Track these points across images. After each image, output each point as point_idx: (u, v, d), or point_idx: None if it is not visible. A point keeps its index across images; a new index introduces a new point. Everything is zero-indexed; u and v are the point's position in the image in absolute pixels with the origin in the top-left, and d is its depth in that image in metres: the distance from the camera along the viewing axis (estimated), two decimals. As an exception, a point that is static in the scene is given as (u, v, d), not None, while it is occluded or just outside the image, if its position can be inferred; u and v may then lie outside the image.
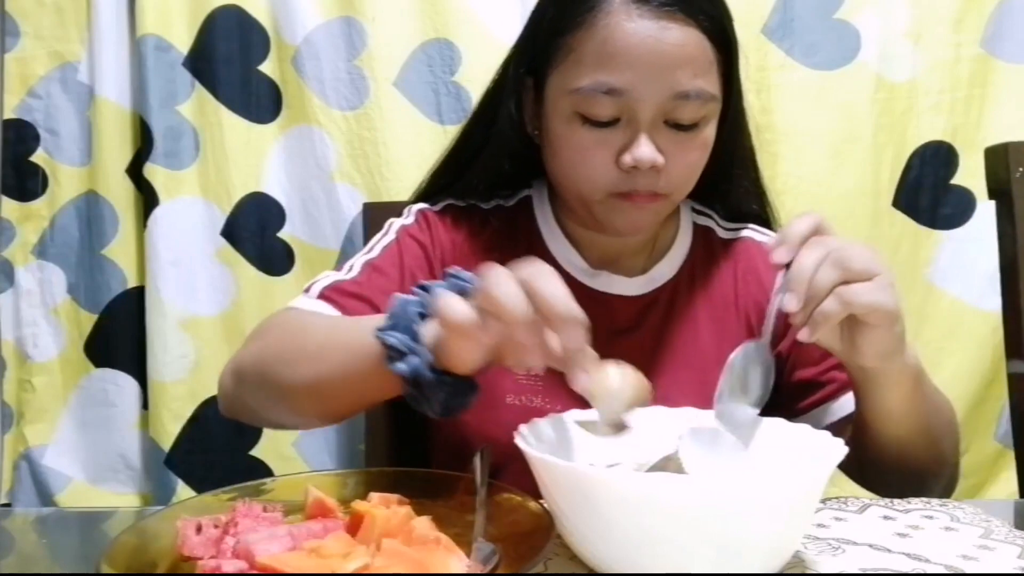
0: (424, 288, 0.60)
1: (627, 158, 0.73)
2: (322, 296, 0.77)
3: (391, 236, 0.85)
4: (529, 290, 0.51)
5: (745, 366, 0.64)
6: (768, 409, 0.74)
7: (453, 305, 0.52)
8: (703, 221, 0.91)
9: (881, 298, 0.60)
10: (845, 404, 0.83)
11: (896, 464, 0.75)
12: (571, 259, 0.86)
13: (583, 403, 0.64)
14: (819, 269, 0.60)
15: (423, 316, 0.57)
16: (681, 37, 0.72)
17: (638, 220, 0.79)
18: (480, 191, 0.89)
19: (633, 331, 0.84)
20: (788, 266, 0.62)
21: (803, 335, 0.62)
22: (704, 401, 0.79)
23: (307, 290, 0.79)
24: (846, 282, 0.60)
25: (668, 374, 0.82)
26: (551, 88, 0.77)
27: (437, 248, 0.85)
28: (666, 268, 0.87)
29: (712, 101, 0.75)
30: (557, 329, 0.52)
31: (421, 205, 0.89)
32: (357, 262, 0.82)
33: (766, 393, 0.65)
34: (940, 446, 0.77)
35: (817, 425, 0.82)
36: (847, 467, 0.82)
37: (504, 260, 0.84)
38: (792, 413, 0.86)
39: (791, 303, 0.60)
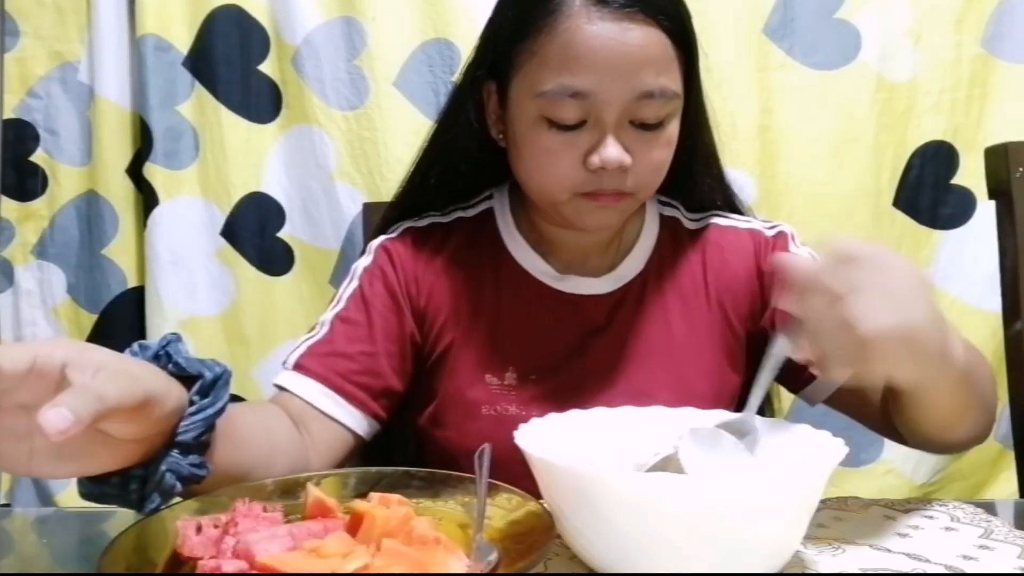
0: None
1: (595, 159, 0.74)
2: (297, 367, 0.79)
3: (355, 283, 0.85)
4: None
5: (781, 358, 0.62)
6: (768, 409, 0.74)
7: None
8: (669, 212, 0.91)
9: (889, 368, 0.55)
10: None
11: (940, 438, 0.72)
12: (537, 265, 0.86)
13: (558, 408, 0.65)
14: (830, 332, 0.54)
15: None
16: (642, 37, 0.72)
17: (605, 219, 0.79)
18: (439, 202, 0.89)
19: (605, 329, 0.84)
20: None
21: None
22: (680, 391, 0.79)
23: (285, 362, 0.80)
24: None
25: (643, 368, 0.82)
26: (514, 92, 0.77)
27: (401, 279, 0.85)
28: (634, 263, 0.87)
29: (675, 99, 0.75)
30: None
31: (379, 239, 0.88)
32: (328, 318, 0.83)
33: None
34: (987, 407, 0.74)
35: (828, 391, 0.79)
36: (879, 427, 0.80)
37: (469, 272, 0.85)
38: (798, 384, 0.83)
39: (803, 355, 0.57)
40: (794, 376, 0.82)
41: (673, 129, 0.77)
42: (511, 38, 0.77)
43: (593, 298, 0.85)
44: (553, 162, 0.76)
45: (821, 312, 0.54)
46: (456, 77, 1.28)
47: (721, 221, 0.90)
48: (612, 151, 0.73)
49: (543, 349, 0.83)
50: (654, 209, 0.90)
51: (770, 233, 0.88)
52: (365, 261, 0.87)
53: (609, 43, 0.71)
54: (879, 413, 0.78)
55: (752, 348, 0.87)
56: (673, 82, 0.75)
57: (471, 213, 0.90)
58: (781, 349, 0.59)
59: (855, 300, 0.52)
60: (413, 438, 0.91)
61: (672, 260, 0.88)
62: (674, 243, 0.89)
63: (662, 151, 0.77)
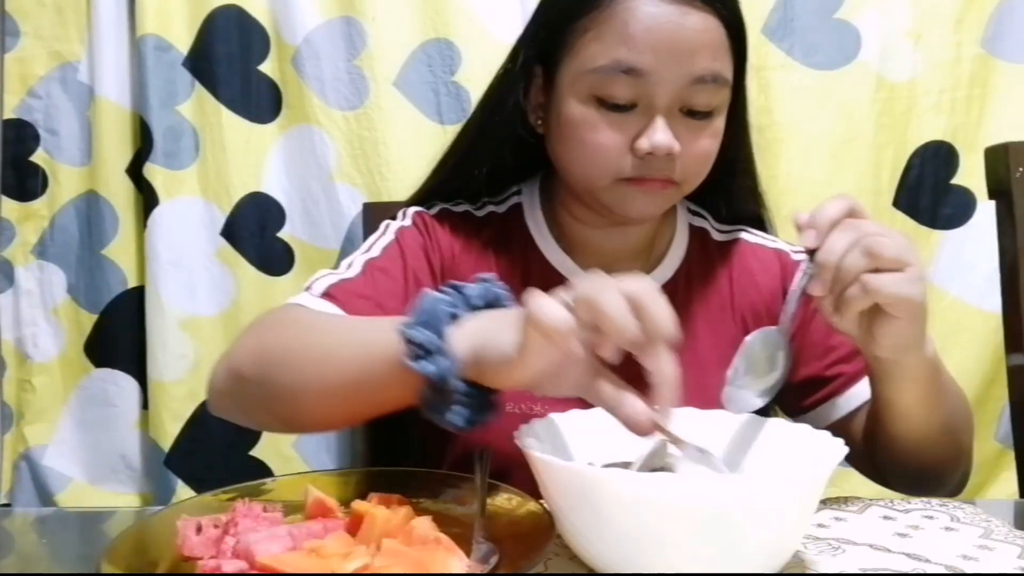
0: (455, 288, 0.57)
1: (644, 143, 0.73)
2: (326, 295, 0.75)
3: (390, 236, 0.83)
4: (637, 307, 0.49)
5: (762, 350, 0.64)
6: (772, 410, 0.73)
7: (549, 308, 0.48)
8: (698, 223, 0.91)
9: (907, 290, 0.59)
10: (852, 398, 0.82)
11: (913, 460, 0.74)
12: (567, 265, 0.85)
13: (582, 407, 0.64)
14: (847, 254, 0.59)
15: (454, 317, 0.55)
16: (701, 22, 0.72)
17: (648, 206, 0.79)
18: (473, 190, 0.87)
19: None
20: (813, 253, 0.61)
21: (828, 316, 0.62)
22: (703, 404, 0.76)
23: (308, 288, 0.77)
24: (875, 270, 0.59)
25: None
26: (566, 72, 0.77)
27: (435, 251, 0.84)
28: (663, 272, 0.87)
29: (726, 87, 0.76)
30: (658, 354, 0.50)
31: (416, 208, 0.87)
32: (357, 260, 0.80)
33: (781, 380, 0.65)
34: (958, 440, 0.76)
35: (825, 421, 0.83)
36: (860, 464, 0.82)
37: (500, 266, 0.84)
38: (797, 411, 0.86)
39: (817, 288, 0.60)
40: (798, 402, 0.85)
41: (721, 122, 0.78)
42: (566, 18, 0.77)
43: None
44: (600, 144, 0.75)
45: (843, 250, 0.59)
46: (457, 77, 1.30)
47: (750, 237, 0.90)
48: (662, 136, 0.73)
49: None
50: (684, 218, 0.90)
51: (797, 257, 0.88)
52: (401, 222, 0.86)
53: (667, 23, 0.71)
54: (860, 446, 0.79)
55: None
56: (726, 70, 0.75)
57: (502, 209, 0.89)
58: (804, 279, 0.62)
59: (881, 241, 0.58)
60: (430, 436, 0.88)
61: (700, 272, 0.87)
62: (703, 255, 0.88)
63: (710, 141, 0.77)
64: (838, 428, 0.81)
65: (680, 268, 0.87)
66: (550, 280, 0.82)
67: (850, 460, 0.83)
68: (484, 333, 0.53)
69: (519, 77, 0.81)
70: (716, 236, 0.90)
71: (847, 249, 0.59)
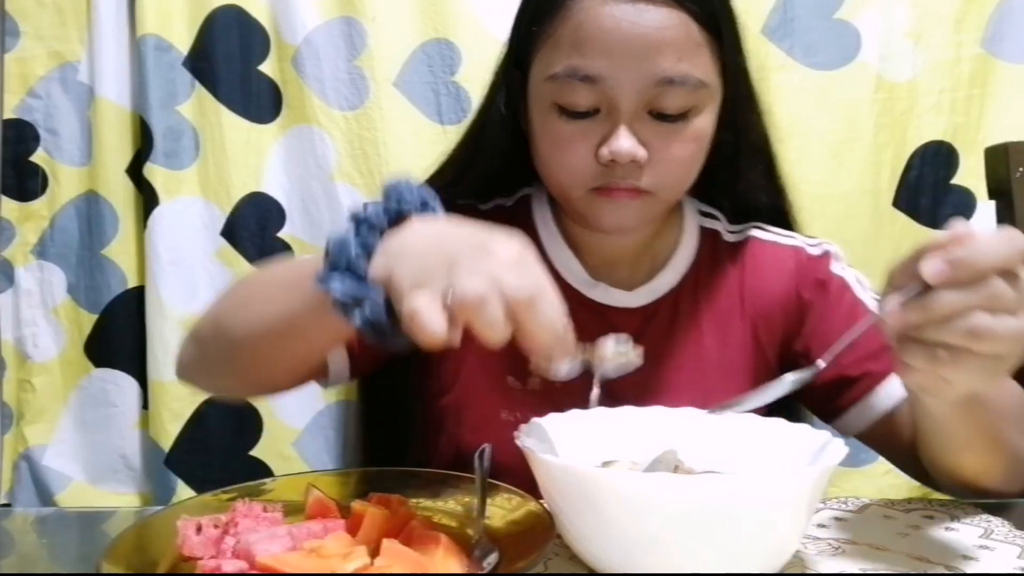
0: (356, 219, 0.54)
1: (604, 151, 0.69)
2: None
3: None
4: (519, 312, 0.47)
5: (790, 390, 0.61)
6: (798, 415, 0.70)
7: (425, 318, 0.45)
8: (710, 224, 0.86)
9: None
10: (885, 397, 0.76)
11: (966, 472, 0.67)
12: (570, 265, 0.82)
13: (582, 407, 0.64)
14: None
15: (367, 251, 0.52)
16: (661, 19, 0.67)
17: (621, 218, 0.74)
18: (477, 192, 0.86)
19: (635, 344, 0.79)
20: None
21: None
22: None
23: None
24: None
25: (671, 389, 0.78)
26: (531, 79, 0.74)
27: None
28: (668, 277, 0.82)
29: (701, 88, 0.70)
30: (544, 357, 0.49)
31: None
32: None
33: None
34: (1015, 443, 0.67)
35: (862, 424, 0.77)
36: (907, 467, 0.77)
37: None
38: (830, 415, 0.80)
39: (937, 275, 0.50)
40: (827, 404, 0.79)
41: (702, 123, 0.72)
42: (531, 22, 0.74)
43: (623, 311, 0.81)
44: (564, 152, 0.72)
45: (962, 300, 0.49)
46: (457, 77, 1.30)
47: (762, 235, 0.85)
48: (623, 143, 0.69)
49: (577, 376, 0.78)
50: (694, 220, 0.86)
51: (813, 251, 0.83)
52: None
53: (622, 24, 0.67)
54: (908, 449, 0.73)
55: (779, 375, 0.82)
56: (698, 69, 0.69)
57: (509, 202, 0.87)
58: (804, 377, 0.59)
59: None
60: (430, 436, 0.87)
61: (709, 276, 0.83)
62: (712, 258, 0.84)
63: (685, 146, 0.72)
64: (878, 431, 0.77)
65: (687, 273, 0.83)
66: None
67: (896, 462, 0.79)
68: (392, 276, 0.51)
69: (500, 84, 0.80)
70: (727, 237, 0.86)
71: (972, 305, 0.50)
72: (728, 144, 0.78)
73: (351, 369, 0.78)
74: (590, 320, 0.79)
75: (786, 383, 0.61)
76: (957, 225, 0.51)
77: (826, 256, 0.83)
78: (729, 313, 0.82)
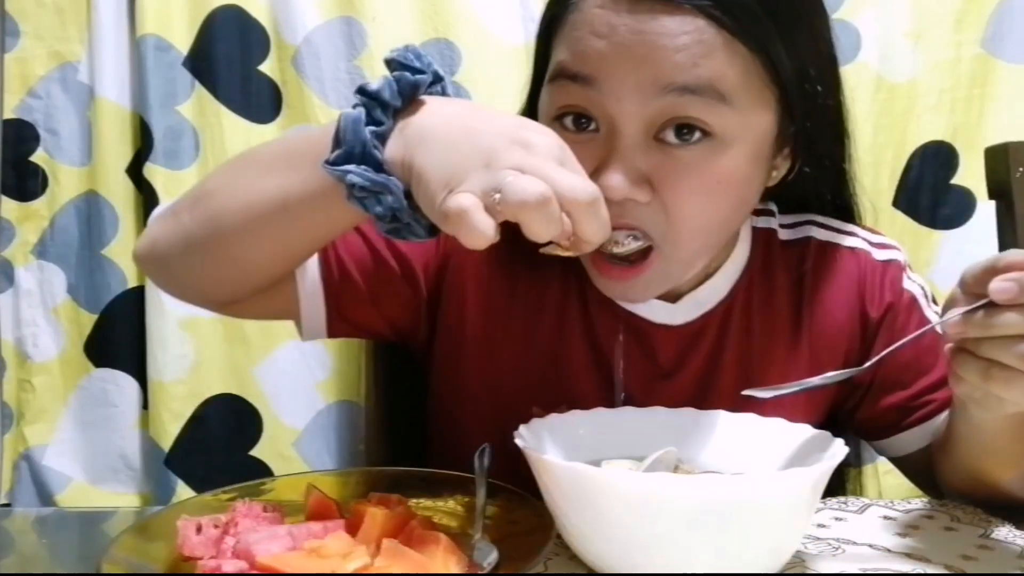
0: (366, 93, 0.51)
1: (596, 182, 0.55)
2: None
3: None
4: (574, 216, 0.45)
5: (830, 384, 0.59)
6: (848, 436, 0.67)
7: (472, 220, 0.43)
8: (763, 223, 0.75)
9: None
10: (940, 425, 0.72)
11: (997, 492, 0.65)
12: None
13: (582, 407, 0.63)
14: None
15: (381, 139, 0.49)
16: (672, 26, 0.56)
17: (627, 294, 0.66)
18: None
19: (674, 375, 0.72)
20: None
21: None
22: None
23: None
24: None
25: None
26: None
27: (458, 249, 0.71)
28: (717, 287, 0.72)
29: (724, 103, 0.58)
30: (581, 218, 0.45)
31: None
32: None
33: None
34: None
35: (916, 445, 0.74)
36: (922, 481, 0.75)
37: (538, 277, 0.71)
38: (877, 435, 0.77)
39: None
40: (877, 432, 0.76)
41: (731, 159, 0.59)
42: (541, 42, 0.67)
43: (666, 329, 0.72)
44: None
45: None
46: (457, 77, 1.29)
47: (821, 234, 0.75)
48: (614, 177, 0.57)
49: (603, 388, 0.71)
50: (747, 221, 0.75)
51: (880, 256, 0.74)
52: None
53: (621, 27, 0.57)
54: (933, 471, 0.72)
55: (835, 405, 0.75)
56: (724, 78, 0.57)
57: None
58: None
59: None
60: (431, 436, 0.85)
61: (763, 288, 0.73)
62: (766, 264, 0.74)
63: (700, 193, 0.59)
64: (922, 455, 0.74)
65: (738, 283, 0.72)
66: (587, 296, 0.73)
67: (918, 481, 0.77)
68: (414, 166, 0.48)
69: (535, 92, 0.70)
70: (783, 235, 0.75)
71: None
72: (805, 177, 0.67)
73: (329, 325, 0.72)
74: (629, 344, 0.72)
75: (828, 377, 0.59)
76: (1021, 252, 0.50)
77: (893, 267, 0.75)
78: (787, 338, 0.73)
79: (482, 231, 0.43)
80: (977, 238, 1.27)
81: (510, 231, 0.45)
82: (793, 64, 0.61)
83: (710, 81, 0.57)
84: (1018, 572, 0.53)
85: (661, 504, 0.46)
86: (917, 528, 0.61)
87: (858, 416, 0.77)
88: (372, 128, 0.49)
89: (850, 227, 0.77)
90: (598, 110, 0.60)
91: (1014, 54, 1.28)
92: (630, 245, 0.53)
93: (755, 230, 0.75)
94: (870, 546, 0.57)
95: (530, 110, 0.71)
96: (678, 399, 0.68)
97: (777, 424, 0.61)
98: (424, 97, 0.51)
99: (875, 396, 0.74)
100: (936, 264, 1.30)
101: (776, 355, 0.72)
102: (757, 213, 0.76)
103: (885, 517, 0.63)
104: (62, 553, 0.66)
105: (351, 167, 0.49)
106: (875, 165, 1.29)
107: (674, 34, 0.56)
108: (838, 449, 0.53)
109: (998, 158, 0.98)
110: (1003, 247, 0.98)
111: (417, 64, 0.51)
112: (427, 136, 0.48)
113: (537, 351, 0.73)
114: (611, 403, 0.71)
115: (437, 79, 0.53)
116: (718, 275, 0.72)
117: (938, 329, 0.54)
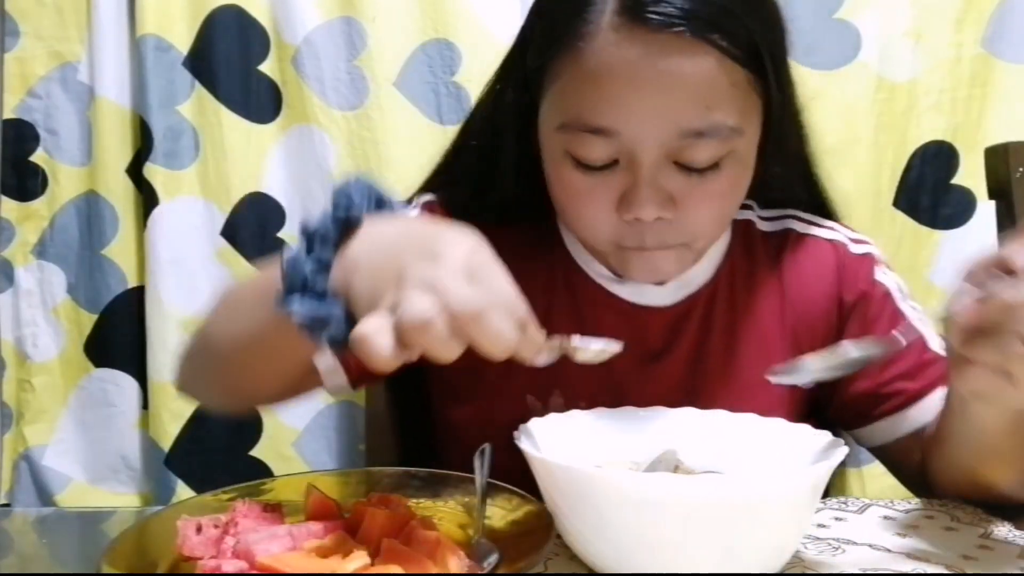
0: (306, 231, 0.52)
1: (626, 212, 0.63)
2: None
3: None
4: (466, 326, 0.44)
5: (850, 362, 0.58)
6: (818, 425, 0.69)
7: (372, 341, 0.43)
8: (742, 214, 0.79)
9: None
10: (925, 411, 0.73)
11: (989, 492, 0.65)
12: (594, 267, 0.77)
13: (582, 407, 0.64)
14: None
15: (323, 267, 0.51)
16: (688, 66, 0.59)
17: (656, 272, 0.68)
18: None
19: (664, 355, 0.75)
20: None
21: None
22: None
23: None
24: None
25: (706, 406, 0.69)
26: (542, 118, 0.67)
27: None
28: (702, 269, 0.76)
29: (733, 136, 0.62)
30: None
31: (425, 197, 0.80)
32: None
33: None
34: None
35: (885, 439, 0.75)
36: (908, 481, 0.76)
37: (518, 261, 0.71)
38: (854, 424, 0.78)
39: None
40: (851, 420, 0.77)
41: (736, 172, 0.64)
42: (537, 54, 0.67)
43: (653, 311, 0.75)
44: (583, 207, 0.65)
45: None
46: (457, 77, 1.29)
47: (799, 227, 0.79)
48: (647, 206, 0.61)
49: (594, 372, 0.71)
50: None
51: (856, 250, 0.78)
52: (410, 212, 0.78)
53: (640, 73, 0.59)
54: (916, 467, 0.72)
55: (816, 391, 0.77)
56: (731, 116, 0.61)
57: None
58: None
59: None
60: (431, 436, 0.86)
61: (745, 272, 0.77)
62: (747, 251, 0.78)
63: (718, 201, 0.65)
64: (899, 446, 0.74)
65: (721, 267, 0.77)
66: (576, 283, 0.76)
67: (900, 475, 0.77)
68: (351, 293, 0.50)
69: (510, 115, 0.72)
70: (761, 226, 0.79)
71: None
72: (767, 170, 0.71)
73: (350, 380, 0.74)
74: (618, 327, 0.74)
75: (850, 352, 0.58)
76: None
77: (868, 259, 0.78)
78: (770, 319, 0.76)
79: (377, 355, 0.43)
80: (977, 238, 1.27)
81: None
82: (775, 79, 0.66)
83: (724, 121, 0.61)
84: (1018, 572, 0.53)
85: (661, 504, 0.46)
86: (917, 528, 0.61)
87: (833, 404, 0.78)
88: (317, 260, 0.51)
89: (829, 223, 0.81)
90: (619, 150, 0.62)
91: (1014, 54, 1.28)
92: (591, 347, 0.54)
93: (734, 220, 0.78)
94: (870, 546, 0.57)
95: (493, 106, 0.75)
96: (669, 381, 0.73)
97: (777, 424, 0.61)
98: (368, 223, 0.52)
99: (846, 382, 0.75)
100: (936, 264, 1.30)
101: (760, 335, 0.75)
102: None
103: (885, 517, 0.63)
104: (62, 553, 0.66)
105: (295, 302, 0.50)
106: (875, 165, 1.29)
107: (690, 74, 0.59)
108: (838, 449, 0.53)
109: (998, 158, 0.98)
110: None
111: (356, 197, 0.53)
112: (360, 263, 0.50)
113: None
114: (599, 387, 0.73)
115: (381, 203, 0.54)
116: (702, 259, 0.75)
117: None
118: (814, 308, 0.76)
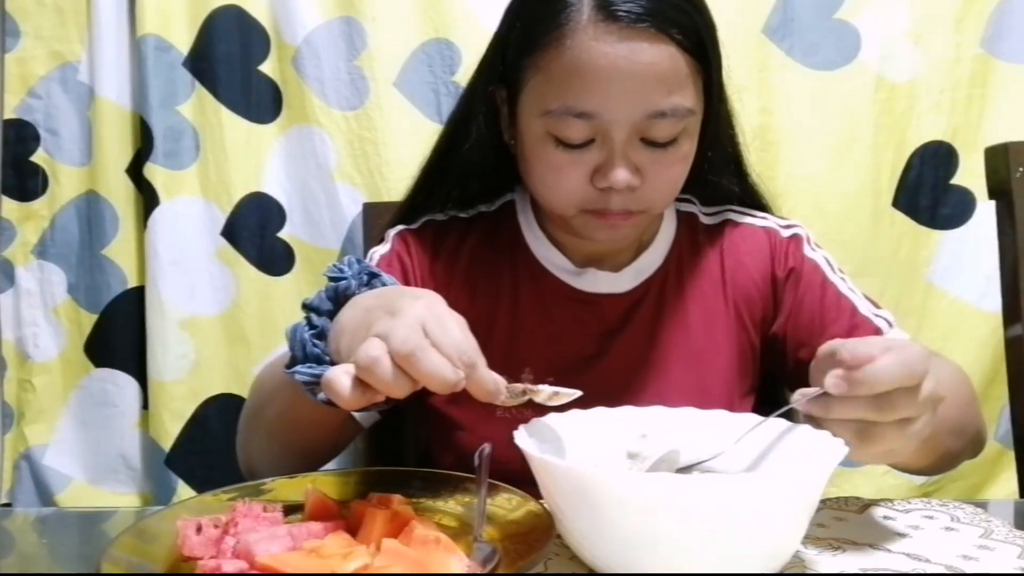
0: (306, 305, 0.62)
1: (602, 180, 0.73)
2: None
3: None
4: (407, 366, 0.50)
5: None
6: (773, 402, 0.71)
7: (336, 385, 0.51)
8: (685, 208, 0.89)
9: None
10: None
11: (929, 469, 0.76)
12: (555, 260, 0.85)
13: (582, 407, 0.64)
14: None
15: (320, 336, 0.59)
16: (653, 55, 0.69)
17: (616, 237, 0.79)
18: (459, 203, 0.89)
19: (622, 331, 0.84)
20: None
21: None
22: (699, 396, 0.77)
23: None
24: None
25: (662, 372, 0.82)
26: (522, 106, 0.76)
27: (417, 270, 0.85)
28: (652, 259, 0.86)
29: (689, 116, 0.73)
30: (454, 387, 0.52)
31: (399, 228, 0.88)
32: None
33: None
34: (968, 436, 0.76)
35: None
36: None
37: (488, 268, 0.85)
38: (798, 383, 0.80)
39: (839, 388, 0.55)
40: (795, 383, 0.82)
41: (688, 145, 0.75)
42: (518, 51, 0.75)
43: (611, 297, 0.84)
44: (561, 179, 0.75)
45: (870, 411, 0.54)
46: (457, 77, 1.30)
47: (737, 217, 0.89)
48: (620, 174, 0.72)
49: (560, 350, 0.82)
50: (671, 204, 0.89)
51: (785, 234, 0.87)
52: (382, 248, 0.87)
53: (617, 62, 0.69)
54: None
55: (762, 354, 0.86)
56: (687, 99, 0.72)
57: (493, 207, 0.90)
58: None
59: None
60: (424, 437, 0.90)
61: (691, 258, 0.87)
62: (692, 240, 0.87)
63: (675, 168, 0.76)
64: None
65: (670, 254, 0.86)
66: (538, 277, 0.85)
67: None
68: (339, 355, 0.57)
69: (480, 104, 0.81)
70: (704, 219, 0.89)
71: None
72: (706, 157, 0.81)
73: (382, 413, 0.84)
74: (580, 312, 0.84)
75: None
76: (860, 347, 0.54)
77: (796, 239, 0.87)
78: (713, 295, 0.85)
79: (336, 394, 0.51)
80: (977, 238, 1.28)
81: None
82: (716, 70, 0.76)
83: (683, 103, 0.72)
84: (1018, 572, 0.53)
85: (661, 504, 0.46)
86: (917, 528, 0.61)
87: (784, 374, 0.86)
88: (314, 330, 0.60)
89: (761, 213, 0.90)
90: (596, 130, 0.72)
91: (1014, 54, 1.28)
92: (552, 392, 0.59)
93: (679, 213, 0.89)
94: (870, 546, 0.57)
95: (467, 101, 0.84)
96: (629, 354, 0.82)
97: (777, 424, 0.61)
98: (357, 295, 0.61)
99: (792, 351, 0.84)
100: (936, 264, 1.30)
101: (706, 310, 0.85)
102: (679, 200, 0.90)
103: (885, 517, 0.63)
104: (62, 553, 0.66)
105: (299, 367, 0.59)
106: (875, 165, 1.29)
107: (655, 63, 0.70)
108: (838, 449, 0.53)
109: (998, 158, 0.98)
110: (1003, 247, 0.98)
111: (348, 272, 0.62)
112: (345, 327, 0.58)
113: (498, 330, 0.83)
114: (565, 364, 0.82)
115: (372, 277, 0.63)
116: (652, 248, 0.86)
117: (797, 407, 0.58)
118: (752, 284, 0.85)
